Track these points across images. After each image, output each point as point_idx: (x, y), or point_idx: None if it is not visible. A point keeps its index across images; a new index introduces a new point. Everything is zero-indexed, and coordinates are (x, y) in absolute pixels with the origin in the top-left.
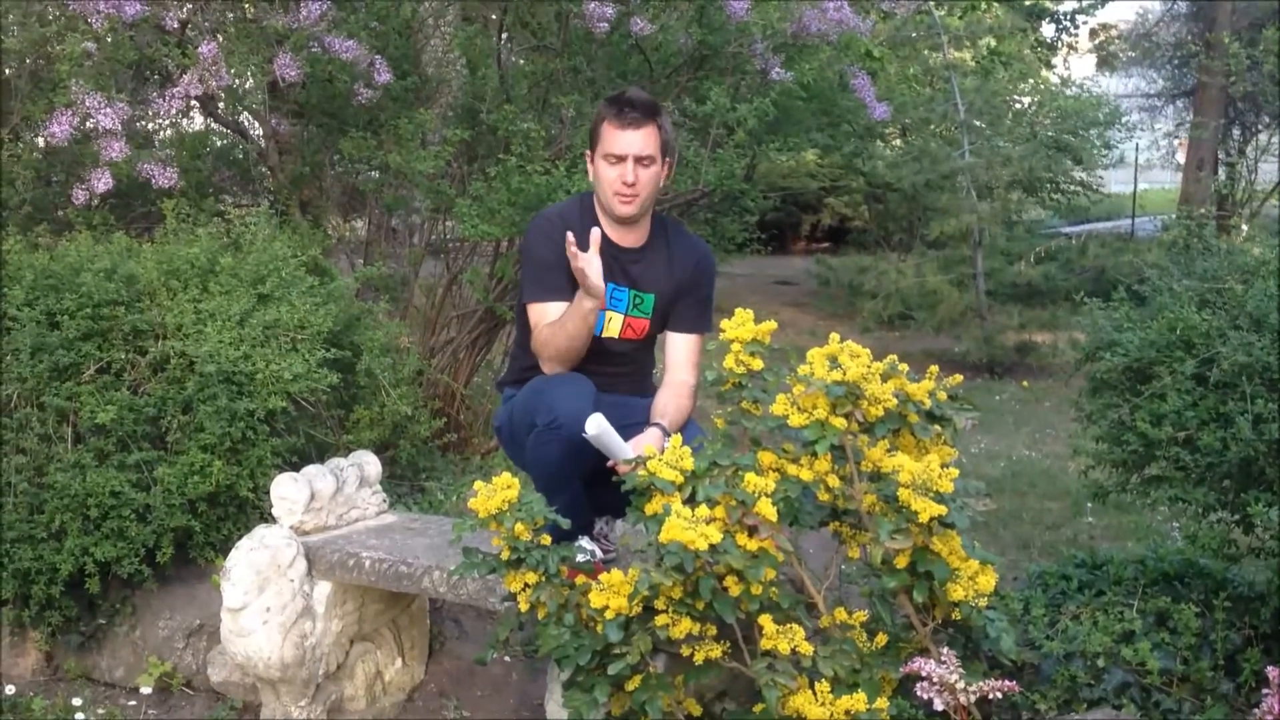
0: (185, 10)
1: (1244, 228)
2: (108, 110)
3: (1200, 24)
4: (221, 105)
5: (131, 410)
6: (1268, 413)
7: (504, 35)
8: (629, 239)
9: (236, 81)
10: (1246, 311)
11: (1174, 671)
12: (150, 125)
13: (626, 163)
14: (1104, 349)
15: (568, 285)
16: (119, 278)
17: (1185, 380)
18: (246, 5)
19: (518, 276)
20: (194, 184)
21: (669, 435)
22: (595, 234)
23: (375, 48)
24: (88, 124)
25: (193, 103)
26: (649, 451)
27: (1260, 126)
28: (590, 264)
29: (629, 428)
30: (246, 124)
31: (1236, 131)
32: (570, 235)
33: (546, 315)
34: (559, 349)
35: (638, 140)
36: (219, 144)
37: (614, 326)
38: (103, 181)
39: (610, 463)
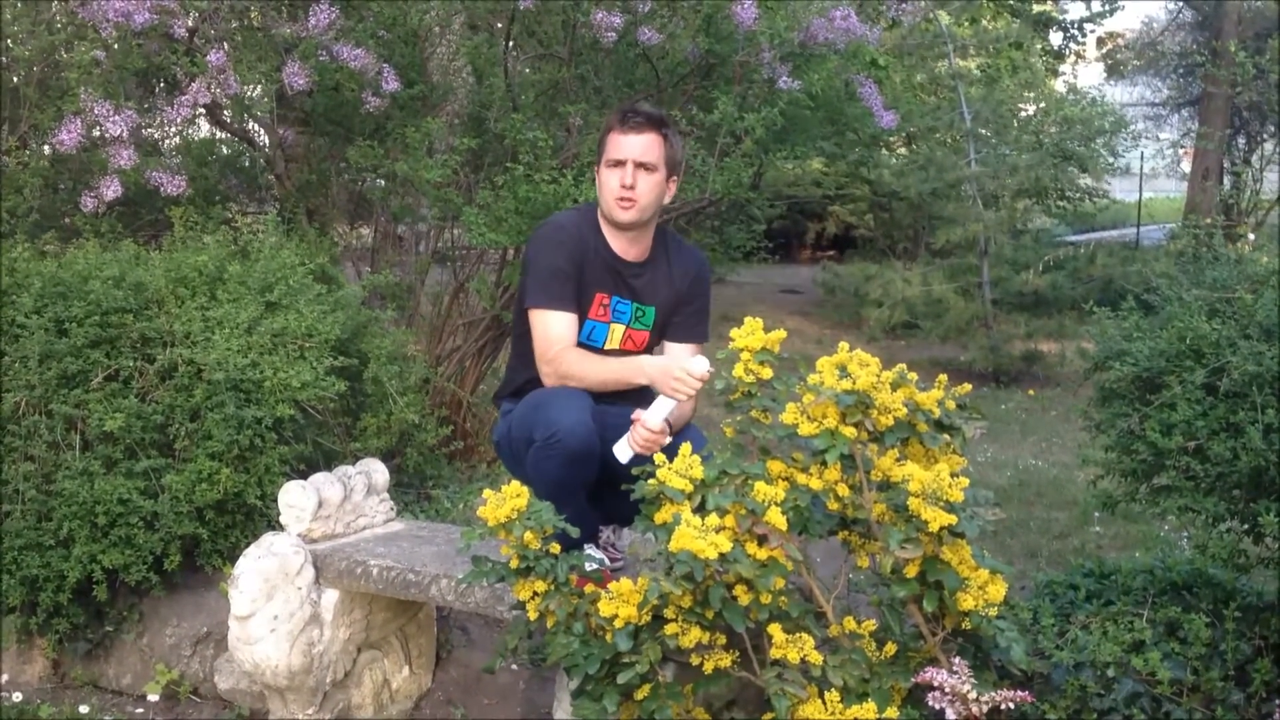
0: (193, 19)
1: (1250, 236)
2: (116, 118)
3: (1206, 33)
4: (228, 113)
5: (139, 418)
6: (1278, 422)
7: (511, 44)
8: (632, 252)
9: (245, 90)
10: (1256, 321)
11: (1184, 681)
12: (157, 133)
13: (626, 167)
14: (1113, 358)
15: (575, 296)
16: (127, 285)
17: (1195, 390)
18: (254, 14)
19: (521, 284)
20: (201, 192)
21: (671, 433)
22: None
23: (382, 56)
24: (96, 132)
25: (200, 110)
26: (659, 459)
27: (1265, 135)
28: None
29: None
30: (253, 132)
31: (1242, 140)
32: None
33: (551, 323)
34: (576, 376)
35: (639, 145)
36: (226, 152)
37: (615, 338)
38: (111, 189)
39: (635, 415)
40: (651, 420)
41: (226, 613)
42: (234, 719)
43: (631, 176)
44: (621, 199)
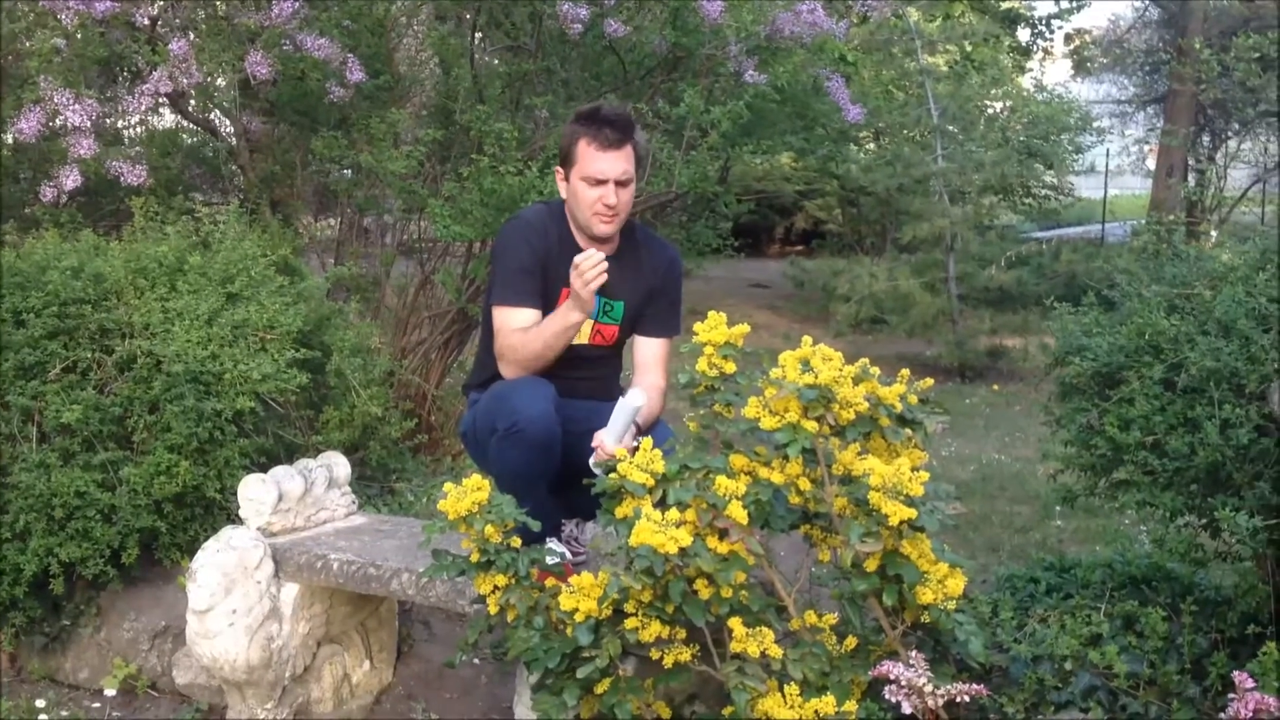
0: (156, 7)
1: (1213, 233)
2: (76, 107)
3: (1172, 30)
4: (192, 103)
5: (97, 410)
6: (1235, 418)
7: (478, 35)
8: (603, 248)
9: (208, 79)
10: (1215, 317)
11: (1141, 675)
12: (120, 123)
13: (608, 186)
14: (1073, 354)
15: (539, 292)
16: (86, 276)
17: (1153, 385)
18: (218, 2)
19: (489, 279)
20: (163, 182)
21: (640, 432)
22: (599, 257)
23: (348, 46)
24: (56, 121)
25: (163, 100)
26: (620, 454)
27: (1230, 133)
28: (600, 278)
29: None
30: (217, 122)
31: (1206, 138)
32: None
33: (513, 320)
34: (530, 356)
35: (619, 163)
36: (189, 142)
37: (584, 333)
38: (71, 179)
39: (595, 442)
40: (608, 443)
41: (185, 607)
42: (192, 714)
43: (614, 195)
44: (602, 216)
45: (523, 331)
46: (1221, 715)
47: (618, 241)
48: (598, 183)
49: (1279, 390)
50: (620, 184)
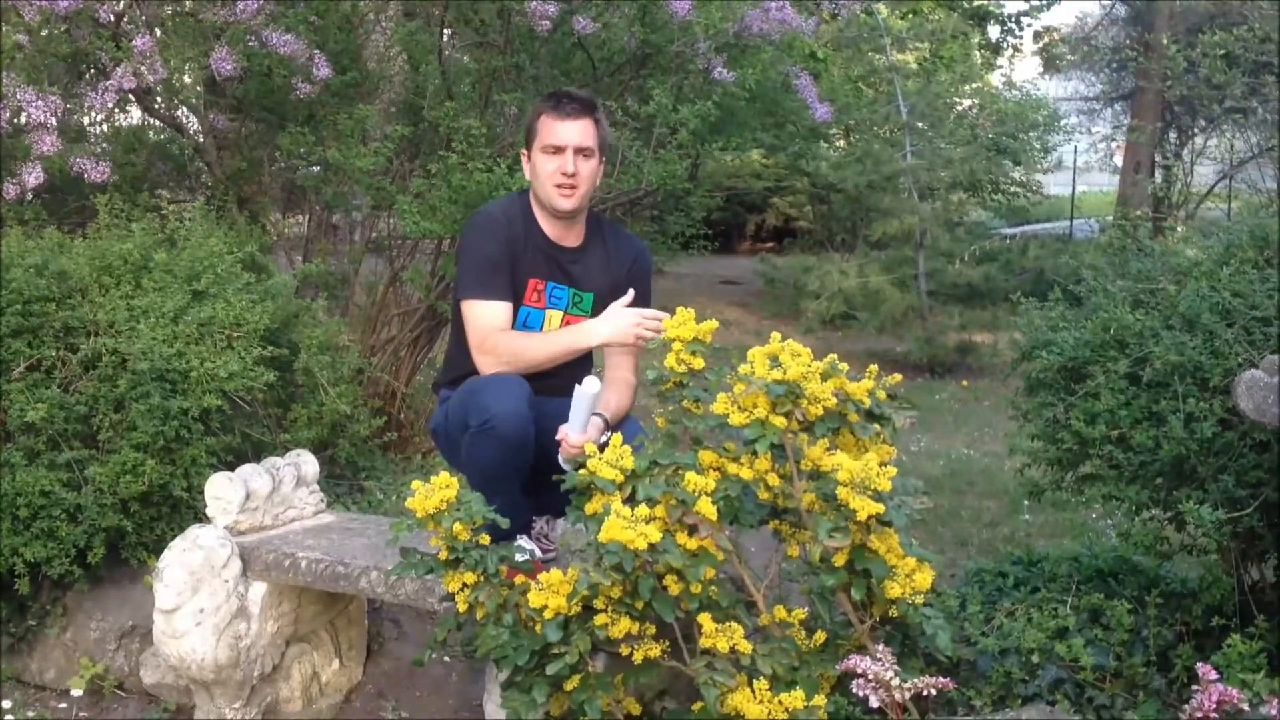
0: (121, 3)
1: (1179, 229)
2: (39, 104)
3: (1139, 28)
4: (158, 100)
5: (62, 408)
6: (1199, 412)
7: (446, 31)
8: (568, 238)
9: (173, 75)
10: (1179, 312)
11: (1107, 668)
12: (84, 119)
13: (566, 153)
14: (1040, 348)
15: (508, 285)
16: (50, 274)
17: (1119, 379)
18: None
19: (456, 275)
20: (129, 179)
21: (609, 427)
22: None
23: (315, 42)
24: (20, 117)
25: (129, 97)
26: (589, 450)
27: (1196, 130)
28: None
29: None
30: (184, 119)
31: (1173, 135)
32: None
33: (486, 314)
34: (525, 363)
35: (577, 131)
36: (156, 139)
37: (554, 324)
38: (34, 176)
39: (560, 435)
40: (572, 435)
41: (152, 606)
42: (160, 714)
43: (573, 164)
44: (562, 186)
45: (513, 334)
46: (1186, 707)
47: (584, 232)
48: (556, 150)
49: (1243, 384)
50: (580, 153)
